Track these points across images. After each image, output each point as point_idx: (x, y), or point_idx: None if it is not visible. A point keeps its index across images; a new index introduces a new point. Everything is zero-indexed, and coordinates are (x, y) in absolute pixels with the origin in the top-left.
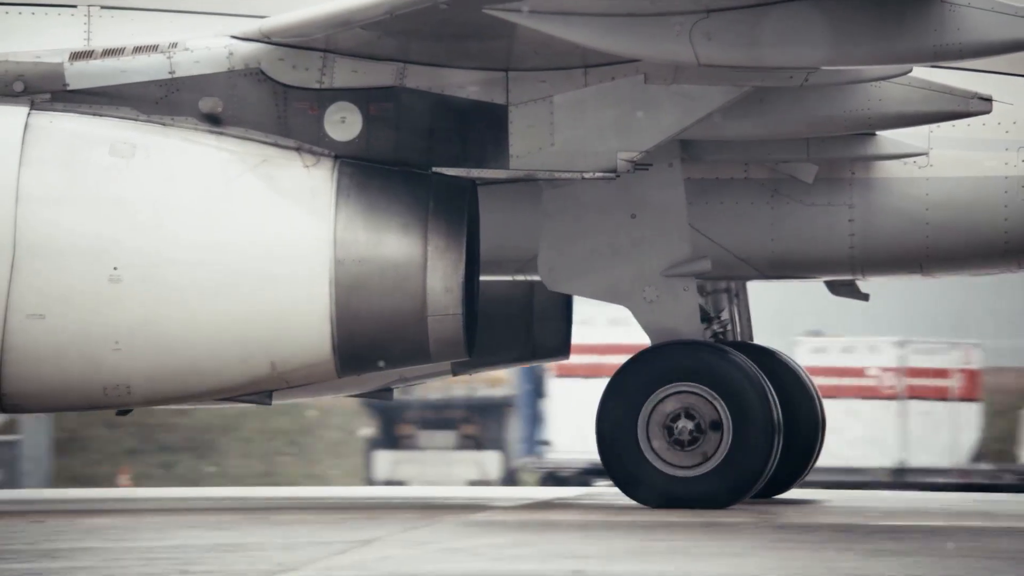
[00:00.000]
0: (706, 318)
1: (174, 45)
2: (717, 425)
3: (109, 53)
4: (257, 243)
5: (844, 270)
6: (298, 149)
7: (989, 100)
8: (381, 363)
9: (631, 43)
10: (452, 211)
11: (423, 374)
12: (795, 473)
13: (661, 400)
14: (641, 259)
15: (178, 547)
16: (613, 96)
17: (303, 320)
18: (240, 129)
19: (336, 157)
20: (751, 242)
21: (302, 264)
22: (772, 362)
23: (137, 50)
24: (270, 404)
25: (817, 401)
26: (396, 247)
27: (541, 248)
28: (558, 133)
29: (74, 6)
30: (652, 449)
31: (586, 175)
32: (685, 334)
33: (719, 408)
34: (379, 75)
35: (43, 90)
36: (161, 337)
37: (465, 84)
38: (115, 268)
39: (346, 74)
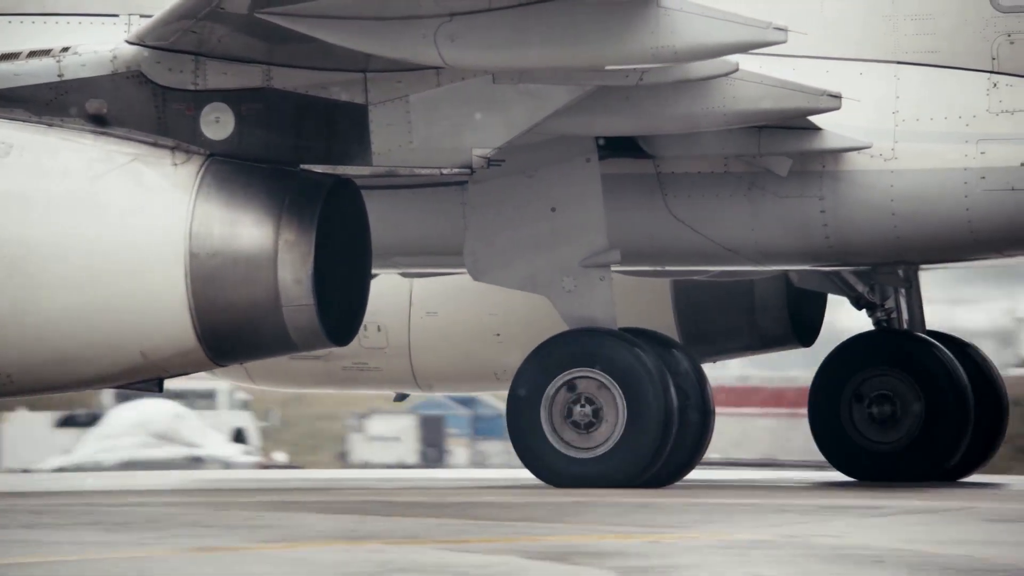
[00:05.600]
0: (871, 306)
1: (65, 49)
2: (612, 410)
3: (5, 57)
4: (118, 237)
5: (829, 261)
6: (173, 148)
7: (838, 97)
8: (254, 351)
9: (382, 45)
10: (305, 206)
11: None
12: (940, 459)
13: (563, 385)
14: (560, 250)
15: None
16: (464, 95)
17: (163, 310)
18: (124, 129)
19: (209, 155)
20: (734, 233)
21: (159, 257)
22: (924, 352)
23: (32, 54)
24: (160, 392)
25: (967, 395)
26: (248, 241)
27: (467, 240)
28: (415, 131)
29: (116, 15)
30: (554, 430)
31: (444, 171)
32: (601, 322)
33: (615, 394)
34: (248, 77)
35: None
36: (30, 328)
37: (327, 85)
38: None
39: (217, 76)
